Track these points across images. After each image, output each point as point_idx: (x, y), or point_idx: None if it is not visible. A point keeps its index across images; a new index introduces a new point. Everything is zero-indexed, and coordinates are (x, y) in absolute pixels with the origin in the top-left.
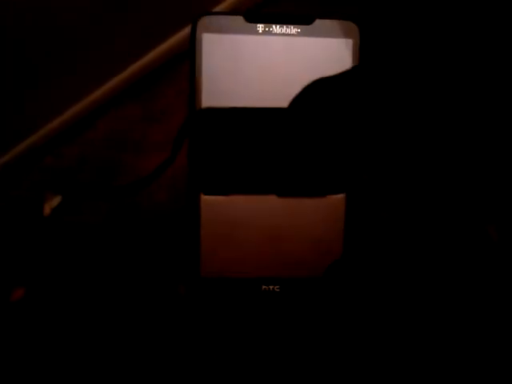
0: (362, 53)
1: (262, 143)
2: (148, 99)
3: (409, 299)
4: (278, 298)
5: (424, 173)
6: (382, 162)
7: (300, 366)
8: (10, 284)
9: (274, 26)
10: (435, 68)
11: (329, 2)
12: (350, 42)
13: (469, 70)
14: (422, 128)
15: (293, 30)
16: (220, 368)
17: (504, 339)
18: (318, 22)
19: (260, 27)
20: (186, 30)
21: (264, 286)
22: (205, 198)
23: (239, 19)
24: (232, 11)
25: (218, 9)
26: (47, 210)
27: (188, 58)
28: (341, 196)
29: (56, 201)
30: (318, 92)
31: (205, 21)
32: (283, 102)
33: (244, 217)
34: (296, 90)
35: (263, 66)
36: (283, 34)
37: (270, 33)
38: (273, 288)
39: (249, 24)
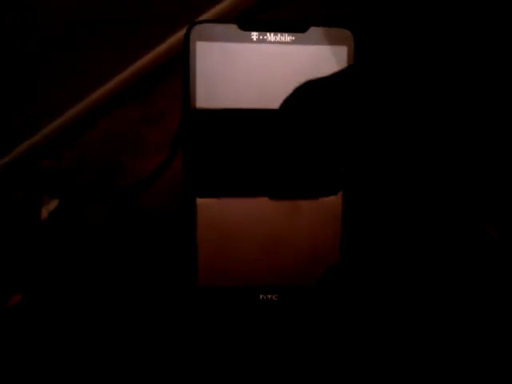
0: (357, 60)
1: (256, 145)
2: (147, 101)
3: (408, 303)
4: (275, 306)
5: (422, 175)
6: (379, 163)
7: (298, 374)
8: (6, 290)
9: (268, 34)
10: (430, 67)
11: (328, 3)
12: (344, 49)
13: (466, 70)
14: (419, 129)
15: (287, 37)
16: (219, 377)
17: (503, 338)
18: (312, 29)
19: (254, 35)
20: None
21: (262, 295)
22: (200, 201)
23: (233, 27)
24: (226, 19)
25: (215, 10)
26: (44, 213)
27: (182, 66)
28: (337, 199)
29: (53, 204)
30: (311, 93)
31: (198, 29)
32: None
33: (240, 221)
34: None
35: (258, 74)
36: (277, 42)
37: (264, 41)
38: (271, 297)
39: (243, 32)
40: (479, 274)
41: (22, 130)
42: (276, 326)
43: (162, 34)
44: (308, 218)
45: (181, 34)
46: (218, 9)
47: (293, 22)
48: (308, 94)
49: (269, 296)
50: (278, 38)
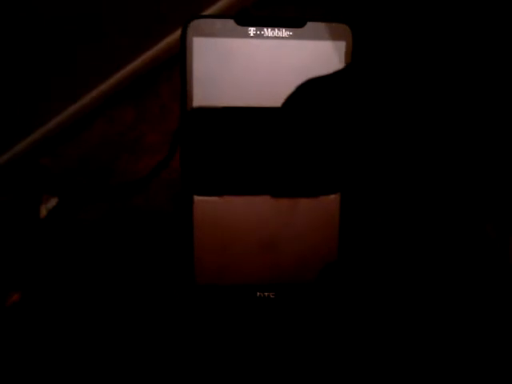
0: (355, 55)
1: (255, 143)
2: (144, 100)
3: (405, 300)
4: (273, 304)
5: (421, 173)
6: (378, 162)
7: (296, 371)
8: (5, 288)
9: (265, 29)
10: (430, 66)
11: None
12: (342, 44)
13: (466, 69)
14: (419, 127)
15: (285, 32)
16: (216, 374)
17: (502, 338)
18: (309, 24)
19: (251, 30)
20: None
21: (259, 293)
22: (197, 199)
23: (230, 23)
24: (223, 14)
25: (214, 7)
26: (43, 211)
27: (179, 62)
28: (335, 197)
29: (52, 202)
30: (312, 92)
31: (195, 24)
32: (276, 105)
33: (237, 220)
34: (287, 92)
35: (255, 69)
36: (275, 37)
37: (261, 36)
38: (268, 294)
39: (240, 27)
40: (478, 271)
41: (21, 129)
42: (273, 323)
43: (159, 34)
44: (305, 216)
45: (178, 33)
46: (216, 7)
47: (290, 17)
48: (310, 92)
49: (266, 294)
50: (275, 33)
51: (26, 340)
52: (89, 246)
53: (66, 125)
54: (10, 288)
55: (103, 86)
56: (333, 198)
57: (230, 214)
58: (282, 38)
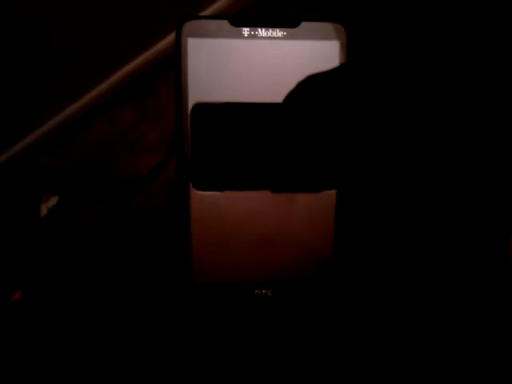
0: (350, 54)
1: (254, 138)
2: (142, 100)
3: (401, 298)
4: (270, 301)
5: (419, 171)
6: (375, 159)
7: (293, 369)
8: (7, 286)
9: (259, 30)
10: (425, 65)
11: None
12: (336, 43)
13: (465, 68)
14: (417, 125)
15: (279, 33)
16: (215, 372)
17: (501, 337)
18: (304, 24)
19: (245, 31)
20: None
21: (256, 290)
22: (196, 193)
23: (224, 23)
24: (217, 15)
25: (213, 7)
26: (44, 210)
27: (174, 63)
28: (331, 193)
29: (53, 201)
30: (311, 88)
31: (190, 25)
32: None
33: (235, 215)
34: (283, 93)
35: (250, 69)
36: (269, 38)
37: (255, 36)
38: (265, 292)
39: (234, 28)
40: (477, 271)
41: (21, 129)
42: (270, 320)
43: (159, 34)
44: (302, 214)
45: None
46: (215, 7)
47: (284, 17)
48: (310, 88)
49: (263, 291)
50: (269, 34)
51: (27, 338)
52: (89, 245)
53: (65, 124)
54: (11, 286)
55: (103, 86)
56: (328, 195)
57: (227, 210)
58: (277, 38)
